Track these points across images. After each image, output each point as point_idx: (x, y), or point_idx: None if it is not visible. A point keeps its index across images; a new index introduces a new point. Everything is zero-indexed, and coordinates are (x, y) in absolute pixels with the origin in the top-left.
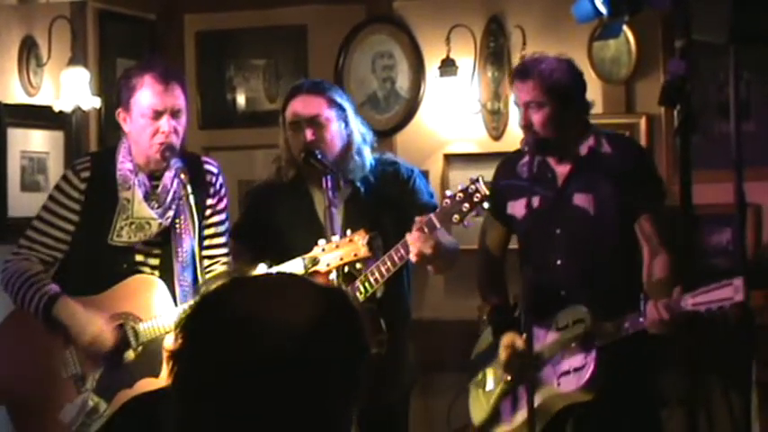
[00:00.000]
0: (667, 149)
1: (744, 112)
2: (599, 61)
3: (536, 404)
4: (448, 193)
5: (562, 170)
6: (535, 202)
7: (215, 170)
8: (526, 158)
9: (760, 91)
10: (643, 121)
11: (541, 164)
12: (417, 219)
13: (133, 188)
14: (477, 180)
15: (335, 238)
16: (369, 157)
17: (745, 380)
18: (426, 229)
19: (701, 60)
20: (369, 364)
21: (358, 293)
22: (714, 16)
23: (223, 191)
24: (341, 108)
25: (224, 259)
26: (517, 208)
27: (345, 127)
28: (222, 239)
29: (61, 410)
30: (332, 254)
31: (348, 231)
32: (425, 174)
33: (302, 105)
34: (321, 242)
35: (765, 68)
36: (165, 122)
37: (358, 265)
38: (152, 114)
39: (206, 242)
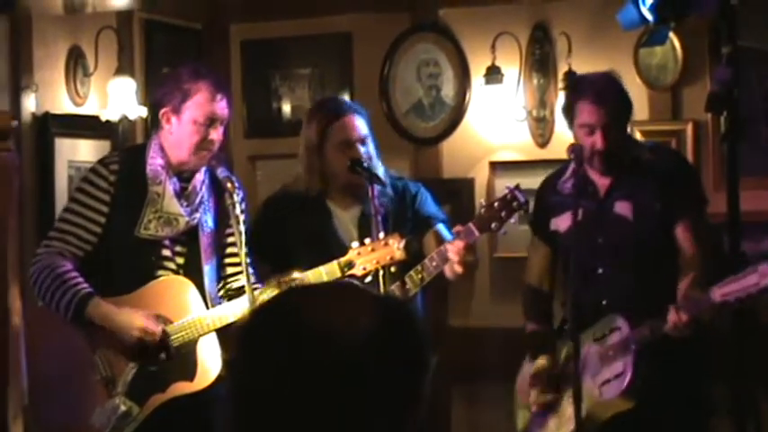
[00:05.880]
0: (714, 156)
1: None
2: (645, 68)
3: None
4: (484, 201)
5: (603, 182)
6: (578, 215)
7: (236, 182)
8: (567, 175)
9: None
10: (690, 128)
11: (582, 177)
12: (456, 228)
13: (164, 183)
14: (515, 188)
15: (368, 241)
16: (382, 171)
17: None
18: (465, 237)
19: (748, 67)
20: (430, 378)
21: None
22: (761, 23)
23: (243, 204)
24: (370, 128)
25: (249, 269)
26: (561, 223)
27: (373, 147)
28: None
29: (92, 415)
30: (367, 257)
31: (381, 234)
32: (471, 181)
33: (355, 126)
34: (355, 245)
35: None
36: (216, 132)
37: (392, 269)
38: (205, 122)
39: (228, 250)
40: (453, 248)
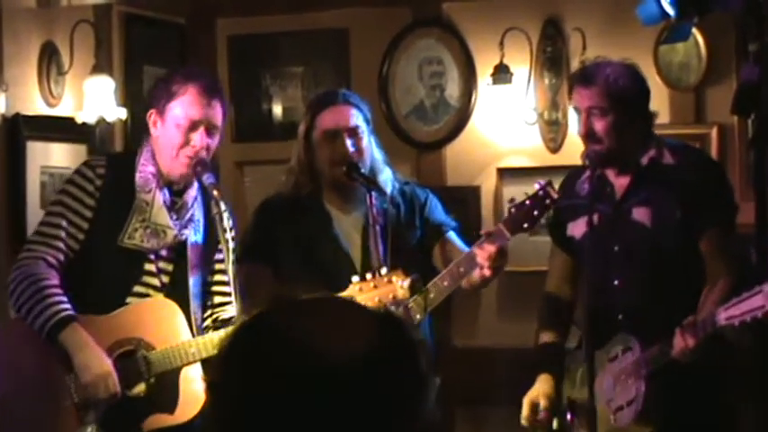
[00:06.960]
0: (740, 162)
1: None
2: (666, 67)
3: None
4: (514, 200)
5: (621, 182)
6: (595, 219)
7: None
8: (586, 175)
9: None
10: (714, 132)
11: (600, 177)
12: (485, 231)
13: (154, 192)
14: (547, 184)
15: (369, 276)
16: (390, 176)
17: None
18: (495, 240)
19: None
20: (430, 397)
21: (415, 312)
22: None
23: (231, 220)
24: (368, 124)
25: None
26: (576, 228)
27: (371, 143)
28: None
29: None
30: (369, 294)
31: (384, 270)
32: (477, 189)
33: (342, 115)
34: (355, 279)
35: None
36: (198, 136)
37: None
38: (188, 125)
39: (216, 277)
40: (484, 253)
